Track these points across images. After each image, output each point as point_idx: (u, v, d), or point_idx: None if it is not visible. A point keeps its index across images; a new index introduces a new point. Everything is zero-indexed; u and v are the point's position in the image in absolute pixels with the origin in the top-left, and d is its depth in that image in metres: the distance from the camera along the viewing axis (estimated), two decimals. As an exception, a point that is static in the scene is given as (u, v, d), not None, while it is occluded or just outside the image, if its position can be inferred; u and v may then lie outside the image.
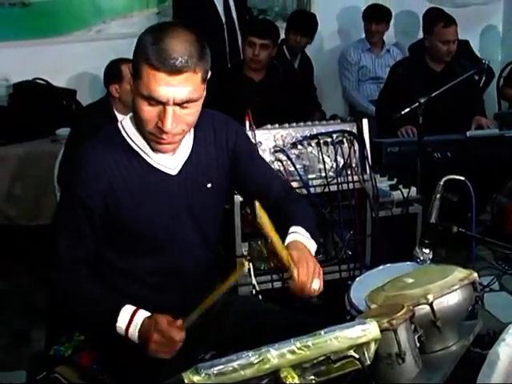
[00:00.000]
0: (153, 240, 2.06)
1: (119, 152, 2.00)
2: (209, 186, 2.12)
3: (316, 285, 1.96)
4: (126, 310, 1.94)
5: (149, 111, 1.88)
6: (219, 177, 2.15)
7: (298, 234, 2.06)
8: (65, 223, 2.02)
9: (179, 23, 1.92)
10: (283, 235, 2.05)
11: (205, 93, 1.97)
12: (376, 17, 5.67)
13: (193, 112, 1.92)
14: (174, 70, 1.81)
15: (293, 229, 2.08)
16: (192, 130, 2.09)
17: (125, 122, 2.04)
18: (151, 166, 2.02)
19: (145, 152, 2.01)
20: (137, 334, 1.92)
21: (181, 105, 1.87)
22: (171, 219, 2.06)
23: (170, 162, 2.05)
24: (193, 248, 2.13)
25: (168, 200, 2.05)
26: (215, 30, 4.90)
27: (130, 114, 2.04)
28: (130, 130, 2.01)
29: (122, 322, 1.93)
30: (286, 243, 2.02)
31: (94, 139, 2.06)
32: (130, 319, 1.92)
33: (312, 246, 2.08)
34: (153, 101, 1.85)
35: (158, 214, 2.04)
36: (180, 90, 1.83)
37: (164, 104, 1.85)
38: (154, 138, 1.94)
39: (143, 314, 1.93)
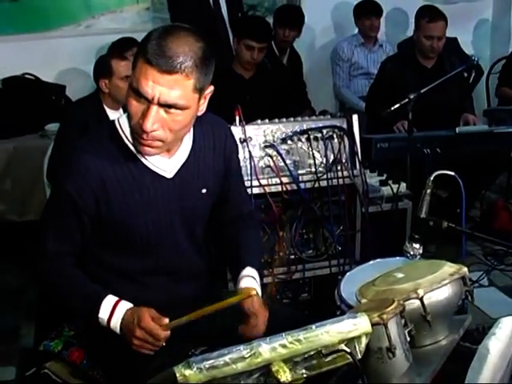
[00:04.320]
0: (143, 240, 2.04)
1: (114, 151, 1.96)
2: (204, 191, 2.12)
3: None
4: (108, 302, 1.94)
5: (135, 106, 1.85)
6: (214, 182, 2.15)
7: (253, 280, 2.11)
8: (53, 218, 2.01)
9: (195, 30, 1.87)
10: (237, 263, 2.16)
11: (203, 107, 1.94)
12: (374, 11, 5.66)
13: (179, 120, 1.87)
14: (165, 69, 1.77)
15: (247, 271, 2.13)
16: (191, 133, 2.07)
17: (122, 120, 2.00)
18: (147, 167, 1.99)
19: (141, 153, 1.97)
20: (118, 326, 1.92)
21: (166, 107, 1.83)
22: (163, 221, 2.05)
23: (167, 164, 2.02)
24: (182, 248, 2.13)
25: (161, 202, 2.03)
26: (206, 23, 4.87)
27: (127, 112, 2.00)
28: (126, 129, 1.97)
29: (103, 314, 1.93)
30: (241, 285, 2.09)
31: (90, 135, 2.05)
32: (112, 311, 1.92)
33: (259, 291, 2.12)
34: (140, 95, 1.82)
35: (149, 215, 2.02)
36: (167, 91, 1.80)
37: (149, 101, 1.81)
38: (137, 137, 1.91)
39: (124, 306, 1.93)
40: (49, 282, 2.04)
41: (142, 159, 1.98)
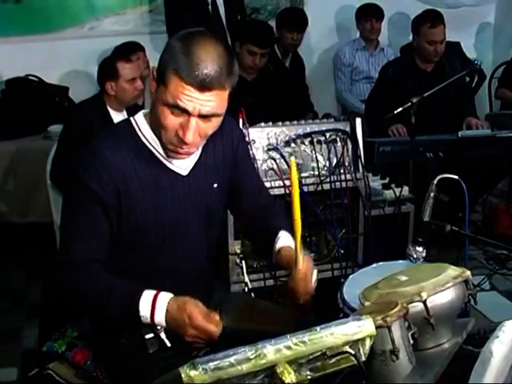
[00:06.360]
0: (159, 239, 2.03)
1: (133, 149, 1.96)
2: (215, 185, 2.12)
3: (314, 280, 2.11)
4: (146, 297, 1.86)
5: (171, 119, 1.85)
6: (224, 177, 2.15)
7: (290, 239, 2.14)
8: (79, 222, 1.93)
9: (209, 33, 1.88)
10: (271, 235, 2.17)
11: None
12: (375, 14, 5.70)
13: (214, 125, 1.91)
14: (204, 86, 1.79)
15: (282, 233, 2.16)
16: None
17: (138, 119, 2.00)
18: (164, 165, 2.00)
19: (158, 151, 1.98)
20: (164, 320, 1.85)
21: (206, 117, 1.85)
22: (179, 219, 2.04)
23: (183, 162, 2.03)
24: (196, 247, 2.12)
25: (178, 200, 2.03)
26: (204, 24, 4.87)
27: (144, 111, 2.02)
28: (144, 128, 1.98)
29: (144, 311, 1.85)
30: (280, 245, 2.12)
31: (107, 134, 2.02)
32: (153, 306, 1.85)
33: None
34: (177, 110, 1.83)
35: (167, 213, 2.01)
36: (207, 104, 1.82)
37: (189, 114, 1.83)
38: (172, 147, 1.92)
39: (165, 298, 1.86)
40: (77, 290, 1.93)
41: (160, 157, 1.99)
